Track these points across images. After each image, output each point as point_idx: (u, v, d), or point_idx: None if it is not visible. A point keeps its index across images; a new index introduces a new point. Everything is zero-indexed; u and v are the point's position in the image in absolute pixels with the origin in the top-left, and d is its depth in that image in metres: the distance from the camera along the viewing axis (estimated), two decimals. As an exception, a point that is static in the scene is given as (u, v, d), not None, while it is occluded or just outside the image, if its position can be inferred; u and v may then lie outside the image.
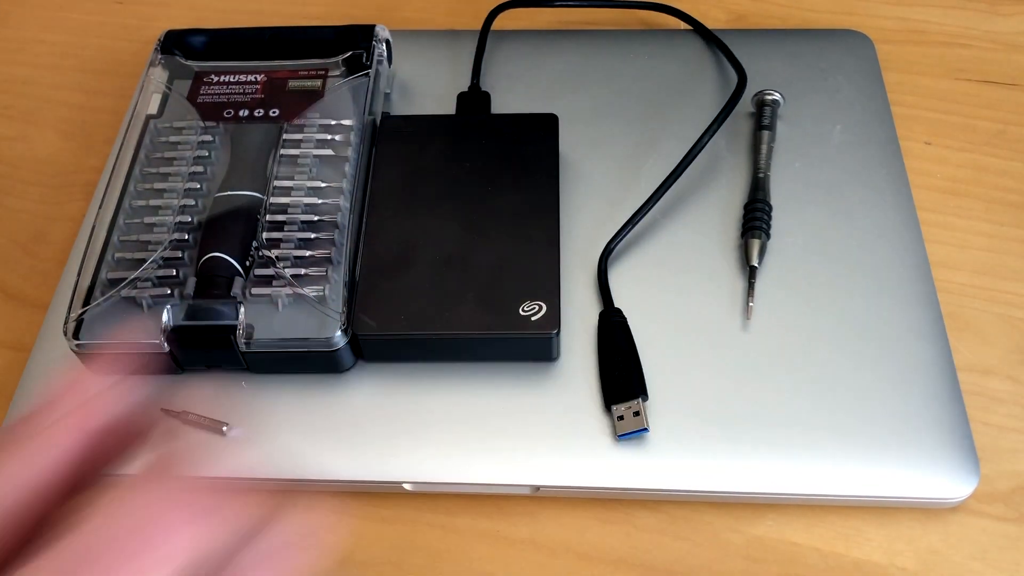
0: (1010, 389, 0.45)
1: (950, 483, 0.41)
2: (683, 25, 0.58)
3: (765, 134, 0.51)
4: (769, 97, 0.52)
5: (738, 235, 0.48)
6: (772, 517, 0.42)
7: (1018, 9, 0.61)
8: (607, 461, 0.42)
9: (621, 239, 0.48)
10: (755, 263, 0.46)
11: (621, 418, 0.42)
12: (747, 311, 0.45)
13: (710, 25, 0.58)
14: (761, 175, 0.50)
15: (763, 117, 0.52)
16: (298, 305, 0.44)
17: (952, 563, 0.41)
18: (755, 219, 0.48)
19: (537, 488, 0.42)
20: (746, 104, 0.53)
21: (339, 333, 0.43)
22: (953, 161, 0.53)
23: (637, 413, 0.42)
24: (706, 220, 0.49)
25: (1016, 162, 0.53)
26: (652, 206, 0.48)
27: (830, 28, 0.59)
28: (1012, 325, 0.47)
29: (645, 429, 0.42)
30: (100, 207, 0.47)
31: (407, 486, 0.42)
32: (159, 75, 0.53)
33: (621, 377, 0.43)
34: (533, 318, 0.43)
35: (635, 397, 0.42)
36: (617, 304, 0.46)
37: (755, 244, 0.47)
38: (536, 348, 0.44)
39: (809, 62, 0.56)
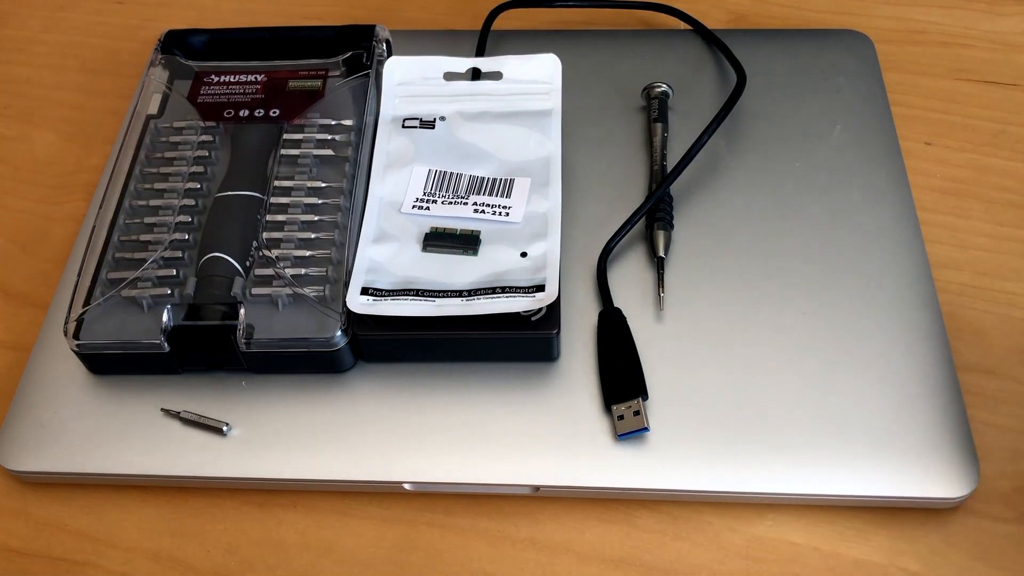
0: (1010, 389, 0.45)
1: (950, 483, 0.41)
2: (683, 25, 0.58)
3: (658, 126, 0.52)
4: (657, 89, 0.53)
5: (737, 236, 0.48)
6: (772, 517, 0.42)
7: (1018, 9, 0.61)
8: (607, 461, 0.42)
9: (620, 239, 0.48)
10: (662, 254, 0.47)
11: (621, 417, 0.42)
12: (660, 302, 0.46)
13: (710, 25, 0.58)
14: (656, 167, 0.50)
15: (652, 110, 0.53)
16: (298, 305, 0.44)
17: (953, 563, 0.41)
18: (659, 211, 0.48)
19: (537, 488, 0.42)
20: (743, 104, 0.53)
21: (339, 333, 0.43)
22: (953, 161, 0.53)
23: (637, 412, 0.42)
24: (704, 219, 0.49)
25: (1016, 162, 0.53)
26: (651, 205, 0.48)
27: (830, 28, 0.59)
28: (1012, 325, 0.47)
29: (645, 428, 0.42)
30: (100, 207, 0.47)
31: (407, 486, 0.42)
32: (159, 75, 0.53)
33: (621, 377, 0.43)
34: (533, 318, 0.43)
35: (635, 396, 0.42)
36: (617, 304, 0.46)
37: (660, 236, 0.47)
38: (536, 348, 0.44)
39: (809, 62, 0.56)
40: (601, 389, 0.44)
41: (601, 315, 0.45)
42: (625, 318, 0.45)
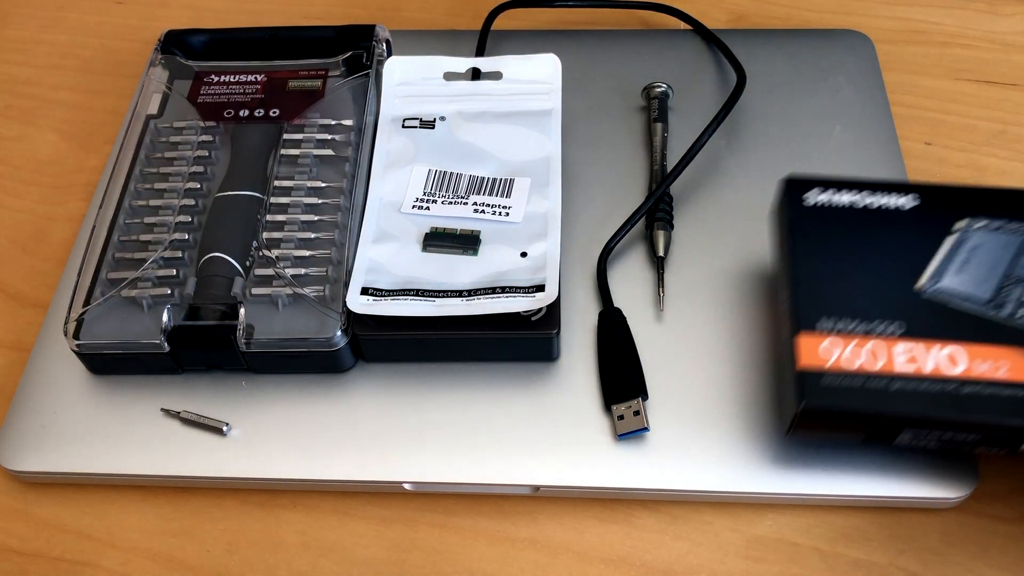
0: (1010, 389, 0.45)
1: (950, 483, 0.41)
2: (683, 25, 0.58)
3: (658, 126, 0.52)
4: (657, 89, 0.53)
5: (737, 236, 0.48)
6: (772, 517, 0.42)
7: (1018, 9, 0.61)
8: (607, 461, 0.42)
9: (620, 238, 0.48)
10: (661, 254, 0.47)
11: (621, 417, 0.42)
12: (660, 302, 0.46)
13: (710, 25, 0.58)
14: (657, 167, 0.50)
15: (652, 110, 0.52)
16: (298, 305, 0.44)
17: (952, 563, 0.41)
18: (659, 211, 0.48)
19: (537, 488, 0.42)
20: (744, 104, 0.53)
21: (339, 333, 0.43)
22: (953, 161, 0.53)
23: (637, 412, 0.42)
24: (704, 219, 0.49)
25: (1016, 162, 0.53)
26: (650, 205, 0.48)
27: (830, 28, 0.59)
28: (1012, 325, 0.47)
29: (645, 428, 0.42)
30: (100, 207, 0.47)
31: (407, 486, 0.42)
32: (159, 75, 0.53)
33: (621, 377, 0.43)
34: (533, 318, 0.43)
35: (635, 396, 0.42)
36: (617, 304, 0.46)
37: (660, 236, 0.47)
38: (536, 348, 0.44)
39: (809, 62, 0.56)
40: (601, 389, 0.44)
41: (601, 315, 0.45)
42: (625, 318, 0.45)
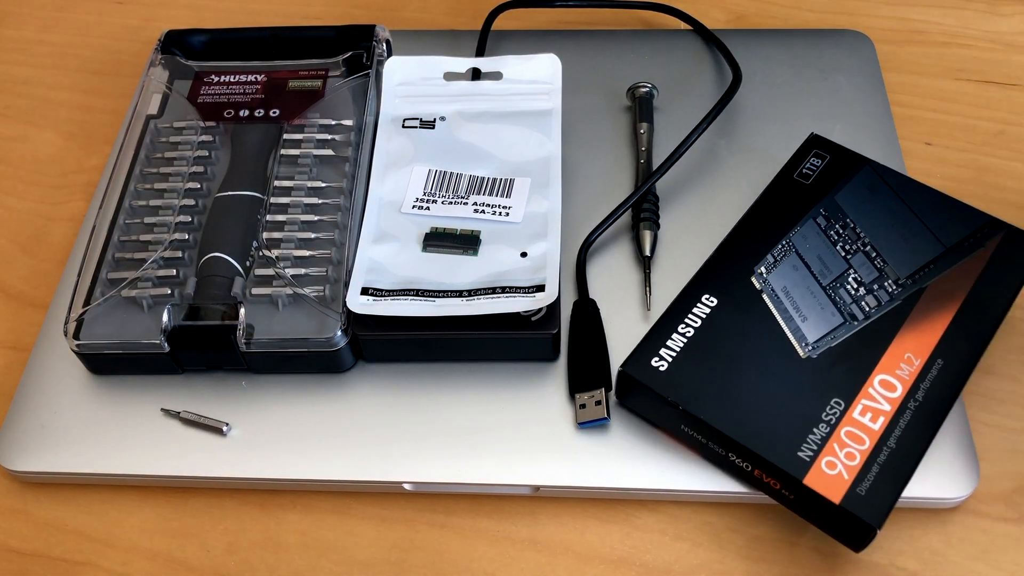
0: (1010, 389, 0.45)
1: (950, 483, 0.41)
2: (683, 25, 0.58)
3: (643, 126, 0.52)
4: (642, 90, 0.53)
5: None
6: (771, 517, 0.42)
7: (1018, 9, 0.61)
8: (607, 461, 0.42)
9: (600, 233, 0.48)
10: (648, 253, 0.47)
11: (583, 406, 0.42)
12: (647, 301, 0.46)
13: (710, 25, 0.58)
14: (643, 164, 0.50)
15: (635, 109, 0.53)
16: (298, 305, 0.44)
17: (952, 563, 0.41)
18: (644, 210, 0.48)
19: (537, 488, 0.42)
20: (744, 104, 0.53)
21: (339, 333, 0.43)
22: (953, 161, 0.53)
23: (599, 402, 0.42)
24: (704, 219, 0.49)
25: (1016, 162, 0.53)
26: (633, 202, 0.48)
27: (830, 28, 0.59)
28: (1012, 325, 0.47)
29: (606, 419, 0.42)
30: (100, 207, 0.47)
31: (407, 486, 0.42)
32: (159, 75, 0.53)
33: (588, 366, 0.43)
34: (533, 318, 0.43)
35: (599, 387, 0.42)
36: (606, 302, 0.46)
37: (647, 235, 0.48)
38: (536, 348, 0.44)
39: (809, 62, 0.56)
40: (567, 377, 0.44)
41: (575, 305, 0.46)
42: (598, 309, 0.45)
